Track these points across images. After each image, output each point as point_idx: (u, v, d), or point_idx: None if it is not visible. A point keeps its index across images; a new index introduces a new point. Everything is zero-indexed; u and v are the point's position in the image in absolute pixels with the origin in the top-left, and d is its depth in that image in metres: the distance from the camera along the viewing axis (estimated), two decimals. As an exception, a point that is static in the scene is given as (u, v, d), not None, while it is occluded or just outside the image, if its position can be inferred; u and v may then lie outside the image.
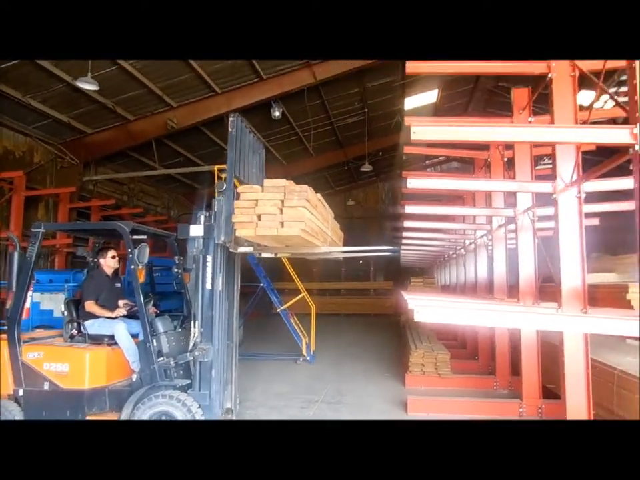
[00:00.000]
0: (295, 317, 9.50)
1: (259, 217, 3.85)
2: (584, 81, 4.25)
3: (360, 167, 18.24)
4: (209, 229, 4.34)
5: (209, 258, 4.33)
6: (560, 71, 4.21)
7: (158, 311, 4.95)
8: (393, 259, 22.11)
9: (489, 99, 15.64)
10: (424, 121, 3.04)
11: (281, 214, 3.80)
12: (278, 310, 9.23)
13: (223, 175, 10.77)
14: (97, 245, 5.39)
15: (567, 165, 3.95)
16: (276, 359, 9.18)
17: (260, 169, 5.31)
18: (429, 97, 15.11)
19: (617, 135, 2.77)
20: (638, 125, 2.67)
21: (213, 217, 4.38)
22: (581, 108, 4.20)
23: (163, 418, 4.06)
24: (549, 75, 4.21)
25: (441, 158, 21.86)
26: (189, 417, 3.99)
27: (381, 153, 18.85)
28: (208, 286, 4.31)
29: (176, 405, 4.04)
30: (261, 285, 9.56)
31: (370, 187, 25.40)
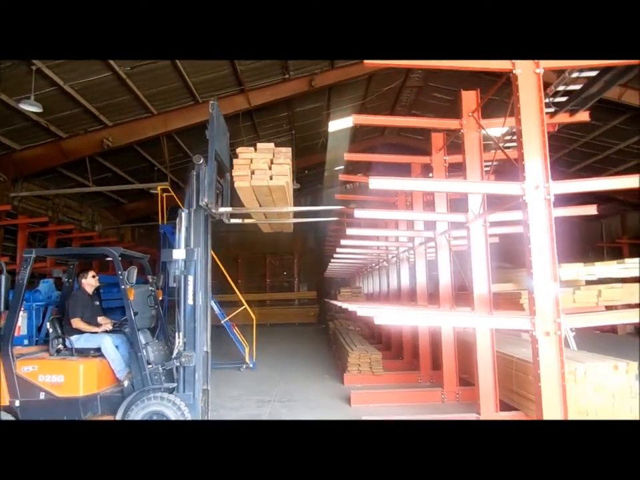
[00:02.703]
0: (236, 327, 10.18)
1: (253, 172, 4.90)
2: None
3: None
4: (188, 253, 5.05)
5: (190, 278, 5.03)
6: (469, 127, 5.50)
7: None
8: (316, 269, 23.30)
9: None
10: (379, 178, 3.92)
11: (270, 169, 4.89)
12: (222, 322, 9.86)
13: (165, 194, 11.24)
14: (71, 266, 5.84)
15: (476, 202, 5.20)
16: (219, 367, 9.75)
17: (226, 146, 5.97)
18: (351, 121, 16.44)
19: (511, 188, 3.97)
20: (524, 182, 3.88)
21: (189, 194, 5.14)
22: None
23: (154, 417, 4.69)
24: (461, 131, 5.49)
25: (359, 175, 23.47)
26: (178, 414, 4.66)
27: (306, 171, 19.92)
28: (190, 301, 5.00)
29: (167, 405, 4.69)
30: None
31: (295, 200, 26.37)
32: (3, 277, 5.04)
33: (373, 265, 13.32)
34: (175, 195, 11.49)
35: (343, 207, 8.58)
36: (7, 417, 4.65)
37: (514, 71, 4.00)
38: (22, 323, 6.32)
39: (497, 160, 5.68)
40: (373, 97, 14.82)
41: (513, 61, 4.00)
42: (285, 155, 5.06)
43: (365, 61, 4.08)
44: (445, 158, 6.75)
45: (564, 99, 5.48)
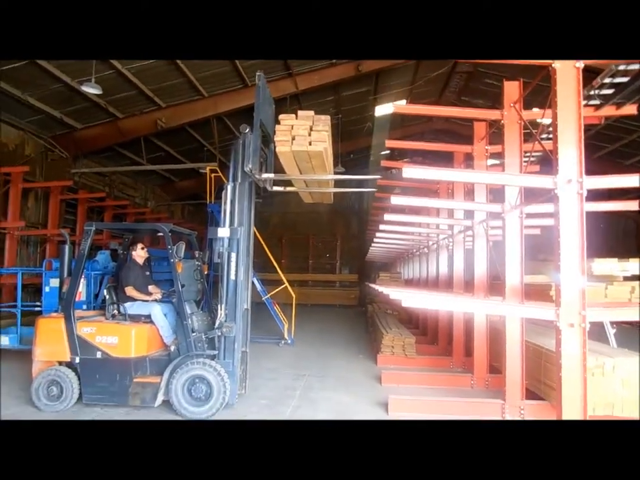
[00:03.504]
0: (277, 305, 10.61)
1: (293, 138, 5.20)
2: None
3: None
4: (232, 232, 5.39)
5: (233, 255, 5.39)
6: (509, 118, 5.53)
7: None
8: (358, 253, 23.50)
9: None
10: (412, 168, 4.09)
11: (309, 136, 5.18)
12: (263, 299, 10.30)
13: (213, 174, 11.73)
14: (126, 239, 6.33)
15: (513, 193, 5.27)
16: (259, 341, 10.21)
17: (272, 116, 6.21)
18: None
19: (544, 181, 4.05)
20: (557, 175, 3.95)
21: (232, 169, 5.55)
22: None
23: (197, 381, 5.11)
24: (502, 122, 5.53)
25: (405, 160, 23.38)
26: (218, 379, 5.07)
27: (351, 155, 20.03)
28: (232, 277, 5.37)
29: (208, 370, 5.11)
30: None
31: (338, 184, 26.57)
32: (67, 247, 5.56)
33: (414, 250, 13.39)
34: (222, 175, 11.93)
35: (380, 177, 8.61)
36: (66, 371, 5.20)
37: (553, 65, 4.03)
38: (81, 290, 6.90)
39: (542, 150, 5.68)
40: (421, 82, 14.71)
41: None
42: (323, 123, 5.32)
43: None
44: (486, 147, 6.77)
45: (611, 91, 5.40)
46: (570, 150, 3.97)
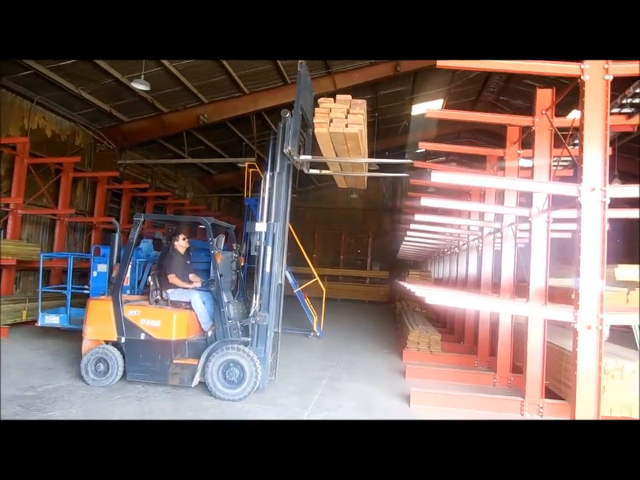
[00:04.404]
0: (308, 298, 10.95)
1: (331, 120, 5.57)
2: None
3: (371, 168, 19.55)
4: (269, 226, 5.73)
5: (269, 248, 5.73)
6: (541, 125, 5.66)
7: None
8: (390, 250, 23.63)
9: (490, 110, 17.02)
10: (440, 172, 4.30)
11: (346, 119, 5.53)
12: (294, 291, 10.66)
13: (251, 169, 12.13)
14: (170, 230, 6.77)
15: (540, 198, 5.42)
16: (289, 332, 10.57)
17: (311, 104, 6.45)
18: (435, 105, 16.46)
19: (568, 189, 4.21)
20: (581, 184, 4.10)
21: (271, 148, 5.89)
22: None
23: (231, 365, 5.49)
24: (533, 128, 5.67)
25: (441, 158, 23.34)
26: (251, 364, 5.43)
27: (387, 153, 20.15)
28: (267, 269, 5.71)
29: (242, 355, 5.48)
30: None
31: (372, 181, 26.59)
32: (117, 235, 6.03)
33: (445, 250, 13.49)
34: (259, 170, 12.33)
35: (414, 162, 8.80)
36: (113, 350, 5.67)
37: (582, 77, 4.17)
38: (127, 275, 7.40)
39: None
40: (459, 82, 14.72)
41: (582, 67, 4.17)
42: (360, 107, 5.65)
43: (438, 62, 4.42)
44: (518, 152, 6.89)
45: (642, 100, 5.47)
46: (595, 159, 4.11)
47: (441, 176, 4.39)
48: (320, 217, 25.30)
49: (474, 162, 14.54)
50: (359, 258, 25.71)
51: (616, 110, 5.73)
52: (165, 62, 10.64)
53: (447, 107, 16.59)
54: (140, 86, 10.19)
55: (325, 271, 22.71)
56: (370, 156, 7.28)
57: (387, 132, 18.48)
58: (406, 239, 11.87)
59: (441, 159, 23.06)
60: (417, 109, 16.32)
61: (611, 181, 13.47)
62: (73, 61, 9.96)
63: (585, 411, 4.03)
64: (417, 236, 11.27)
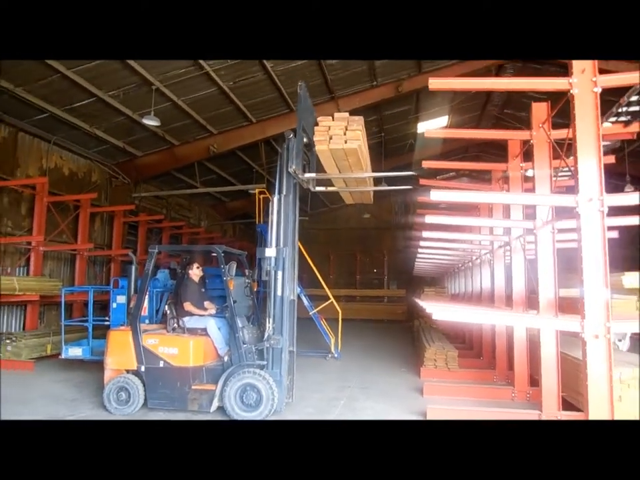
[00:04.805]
0: (324, 319, 11.03)
1: (330, 137, 5.78)
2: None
3: (376, 184, 19.73)
4: (278, 251, 5.89)
5: (279, 272, 5.88)
6: (538, 138, 5.77)
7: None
8: (406, 267, 23.60)
9: (495, 123, 17.16)
10: (440, 191, 4.44)
11: (345, 135, 5.74)
12: (310, 313, 10.75)
13: (262, 196, 12.36)
14: (184, 259, 6.97)
15: (544, 210, 5.49)
16: (307, 355, 10.64)
17: (313, 124, 6.49)
18: (440, 122, 16.64)
19: (566, 200, 4.30)
20: (578, 195, 4.19)
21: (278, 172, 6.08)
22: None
23: (248, 389, 5.59)
24: (531, 142, 5.78)
25: (451, 173, 23.43)
26: (267, 388, 5.53)
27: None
28: (279, 293, 5.85)
29: (258, 379, 5.59)
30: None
31: (383, 200, 26.85)
32: (133, 267, 6.25)
33: (459, 265, 13.50)
34: (269, 194, 12.55)
35: (418, 174, 9.00)
36: (133, 378, 5.82)
37: (571, 91, 4.30)
38: (145, 305, 7.59)
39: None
40: (462, 97, 14.91)
41: (570, 80, 4.29)
42: (357, 123, 5.88)
43: (430, 85, 4.65)
44: (521, 165, 6.98)
45: (638, 108, 5.54)
46: (590, 170, 4.21)
47: (440, 194, 4.52)
48: (334, 239, 25.45)
49: (485, 175, 14.60)
50: (376, 277, 25.70)
51: (613, 119, 5.83)
52: (174, 97, 11.04)
53: (452, 123, 16.76)
54: (150, 122, 10.55)
55: (341, 292, 22.75)
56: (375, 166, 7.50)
57: (394, 151, 18.70)
58: (418, 256, 11.92)
59: (451, 174, 23.13)
60: (422, 127, 16.50)
61: (622, 187, 13.43)
62: (86, 101, 10.42)
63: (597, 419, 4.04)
64: (428, 253, 11.34)
